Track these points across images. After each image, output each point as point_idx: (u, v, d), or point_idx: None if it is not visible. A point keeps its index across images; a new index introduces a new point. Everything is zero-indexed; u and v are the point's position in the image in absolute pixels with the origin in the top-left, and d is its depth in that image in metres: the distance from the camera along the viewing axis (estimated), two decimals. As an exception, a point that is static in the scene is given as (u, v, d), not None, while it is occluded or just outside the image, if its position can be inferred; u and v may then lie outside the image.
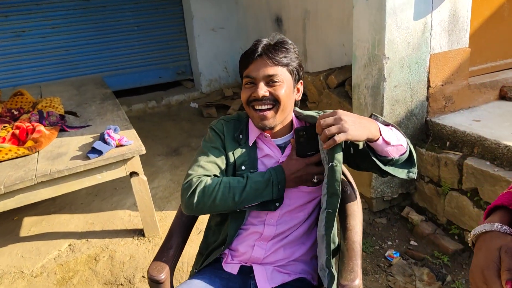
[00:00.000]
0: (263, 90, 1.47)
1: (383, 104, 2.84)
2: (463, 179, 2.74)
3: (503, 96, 3.21)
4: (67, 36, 5.58)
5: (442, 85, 2.98)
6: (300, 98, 1.63)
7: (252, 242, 1.61)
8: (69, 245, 3.00)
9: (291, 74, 1.53)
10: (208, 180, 1.51)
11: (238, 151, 1.60)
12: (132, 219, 3.25)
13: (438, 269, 2.70)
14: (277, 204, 1.53)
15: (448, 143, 2.91)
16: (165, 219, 3.23)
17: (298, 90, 1.61)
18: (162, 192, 3.63)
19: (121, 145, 2.76)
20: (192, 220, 1.85)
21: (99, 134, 2.99)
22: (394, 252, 2.87)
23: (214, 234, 1.71)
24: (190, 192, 1.48)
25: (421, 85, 2.92)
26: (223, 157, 1.60)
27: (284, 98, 1.50)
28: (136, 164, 2.79)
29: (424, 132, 3.07)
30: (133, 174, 2.81)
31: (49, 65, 5.56)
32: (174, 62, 6.29)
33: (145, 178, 2.85)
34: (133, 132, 3.01)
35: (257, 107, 1.50)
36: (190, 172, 1.55)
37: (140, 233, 3.06)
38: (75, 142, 2.94)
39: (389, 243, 2.97)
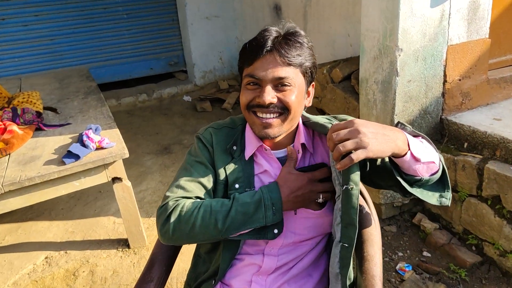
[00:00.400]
0: (270, 95, 1.18)
1: (395, 101, 2.55)
2: (484, 185, 2.46)
3: (524, 92, 2.92)
4: (51, 24, 5.22)
5: (460, 80, 2.68)
6: (310, 104, 1.34)
7: (249, 276, 1.32)
8: (46, 257, 2.71)
9: (304, 76, 1.24)
10: (187, 204, 1.22)
11: (231, 166, 1.30)
12: (116, 227, 2.95)
13: (456, 286, 2.43)
14: (276, 231, 1.22)
15: (466, 144, 2.62)
16: (153, 227, 2.94)
17: (309, 94, 1.32)
18: (151, 195, 3.33)
19: (102, 148, 2.46)
20: (177, 246, 1.56)
21: (78, 134, 2.68)
22: (406, 265, 2.59)
23: (205, 263, 1.42)
24: (164, 218, 1.21)
25: (437, 80, 2.62)
26: (210, 175, 1.31)
27: (295, 106, 1.21)
28: (118, 169, 2.49)
29: (439, 131, 2.78)
30: (116, 180, 2.51)
31: (31, 56, 5.22)
32: (166, 52, 5.96)
33: (129, 184, 2.55)
34: (116, 132, 2.71)
35: (260, 115, 1.22)
36: (167, 194, 1.27)
37: (125, 243, 2.78)
38: (52, 143, 2.64)
39: (400, 254, 2.69)
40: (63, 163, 2.33)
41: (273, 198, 1.18)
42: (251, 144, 1.31)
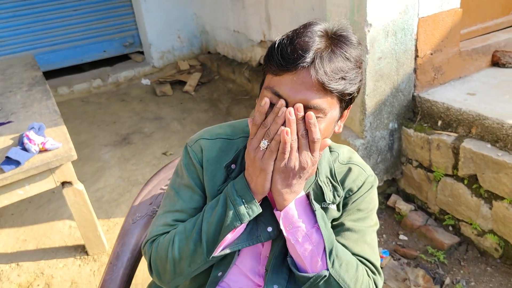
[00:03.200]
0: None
1: (366, 80, 2.39)
2: (460, 165, 2.36)
3: (495, 63, 2.82)
4: (-14, 8, 4.76)
5: (431, 54, 2.54)
6: (341, 130, 1.07)
7: None
8: (-5, 272, 2.46)
9: (341, 102, 0.96)
10: (161, 242, 1.07)
11: (224, 189, 1.06)
12: (73, 232, 2.71)
13: (434, 269, 2.36)
14: (270, 229, 1.03)
15: (440, 122, 2.50)
16: (114, 229, 2.72)
17: (342, 117, 1.04)
18: (110, 193, 3.08)
19: (46, 150, 2.19)
20: (132, 268, 1.36)
21: (19, 135, 2.39)
22: (383, 251, 2.50)
23: None
24: (148, 267, 1.12)
25: (408, 55, 2.47)
26: (198, 200, 1.11)
27: (321, 138, 0.95)
28: (67, 172, 2.24)
29: (412, 109, 2.65)
30: (65, 184, 2.26)
31: (-33, 44, 4.76)
32: (120, 32, 5.58)
33: (81, 187, 2.31)
34: (63, 130, 2.43)
35: None
36: (149, 230, 1.12)
37: (83, 250, 2.55)
38: (-10, 146, 2.35)
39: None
40: (2, 171, 2.07)
41: (239, 190, 0.98)
42: None
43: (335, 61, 0.90)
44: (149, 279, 2.29)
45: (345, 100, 0.96)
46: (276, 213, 0.99)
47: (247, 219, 0.97)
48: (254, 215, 0.98)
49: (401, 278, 2.32)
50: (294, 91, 0.90)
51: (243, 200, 0.97)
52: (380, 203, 2.82)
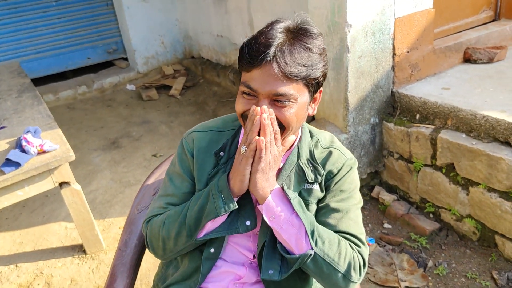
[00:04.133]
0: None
1: (348, 77, 2.53)
2: (437, 154, 2.52)
3: (467, 59, 3.00)
4: (-30, 17, 4.76)
5: (408, 52, 2.70)
6: (315, 112, 1.20)
7: (227, 283, 1.25)
8: (-6, 274, 2.51)
9: (308, 87, 1.09)
10: (155, 222, 1.23)
11: (214, 173, 1.22)
12: (69, 233, 2.77)
13: (418, 254, 2.50)
14: (248, 222, 1.16)
15: (418, 115, 2.66)
16: (109, 229, 2.79)
17: (314, 100, 1.17)
18: (103, 195, 3.15)
19: (44, 152, 2.26)
20: (140, 253, 1.46)
21: (16, 138, 2.45)
22: (369, 239, 2.63)
23: (177, 264, 1.33)
24: (145, 242, 1.28)
25: (386, 53, 2.62)
26: (189, 185, 1.25)
27: (293, 123, 1.09)
28: (65, 173, 2.31)
29: (391, 105, 2.81)
30: (63, 184, 2.33)
31: (-49, 53, 4.75)
32: (103, 39, 5.62)
33: (79, 187, 2.38)
34: (58, 133, 2.50)
35: None
36: (147, 211, 1.28)
37: (80, 249, 2.62)
38: (-14, 150, 2.40)
39: (362, 228, 2.72)
40: (3, 173, 2.13)
41: (220, 185, 1.12)
42: None
43: (294, 52, 1.02)
44: (147, 275, 2.38)
45: (312, 85, 1.09)
46: (259, 207, 1.11)
47: (223, 212, 1.10)
48: (230, 210, 1.11)
49: (387, 263, 2.46)
50: (263, 83, 1.03)
51: (222, 196, 1.10)
52: (365, 194, 2.96)
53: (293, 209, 1.10)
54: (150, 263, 2.43)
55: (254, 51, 1.03)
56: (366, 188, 2.99)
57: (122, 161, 3.60)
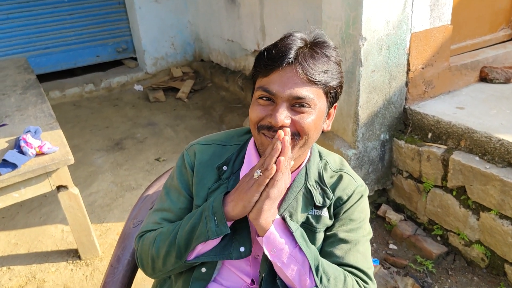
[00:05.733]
0: (283, 115, 0.99)
1: (359, 92, 2.44)
2: (449, 176, 2.43)
3: (483, 78, 2.90)
4: (-19, 10, 4.73)
5: (423, 68, 2.61)
6: (329, 128, 1.15)
7: None
8: (-14, 276, 2.45)
9: (327, 96, 1.05)
10: (147, 236, 1.15)
11: (214, 188, 1.14)
12: (65, 236, 2.71)
13: (423, 278, 2.41)
14: (242, 249, 1.07)
15: (430, 134, 2.57)
16: (107, 234, 2.73)
17: (329, 116, 1.13)
18: (102, 198, 3.09)
19: (43, 154, 2.20)
20: (132, 271, 1.38)
21: (15, 137, 2.40)
22: (374, 259, 2.54)
23: (170, 285, 1.26)
24: (135, 257, 1.20)
25: (400, 69, 2.54)
26: (185, 201, 1.18)
27: (311, 131, 1.03)
28: (63, 176, 2.25)
29: (403, 121, 2.72)
30: (61, 188, 2.27)
31: (-41, 46, 4.73)
32: (113, 38, 5.59)
33: (76, 191, 2.32)
34: (59, 134, 2.44)
35: (270, 136, 1.03)
36: (142, 225, 1.22)
37: (75, 254, 2.55)
38: (-15, 149, 2.35)
39: (366, 248, 2.63)
40: (-2, 174, 2.07)
41: (215, 207, 1.03)
42: (251, 165, 1.13)
43: (316, 58, 1.00)
44: (142, 285, 2.31)
45: (331, 94, 1.05)
46: (258, 239, 1.03)
47: (214, 236, 1.02)
48: (222, 235, 1.03)
49: (391, 287, 2.37)
50: (283, 85, 0.99)
51: (215, 219, 1.02)
52: (371, 212, 2.86)
53: (296, 242, 1.02)
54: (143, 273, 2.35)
55: (274, 54, 1.00)
56: (372, 205, 2.90)
57: (124, 164, 3.54)
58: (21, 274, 2.44)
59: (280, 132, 0.96)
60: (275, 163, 0.94)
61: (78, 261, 2.51)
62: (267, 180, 0.96)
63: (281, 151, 0.95)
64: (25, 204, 3.03)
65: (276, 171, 0.95)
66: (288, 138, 0.96)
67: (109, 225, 2.80)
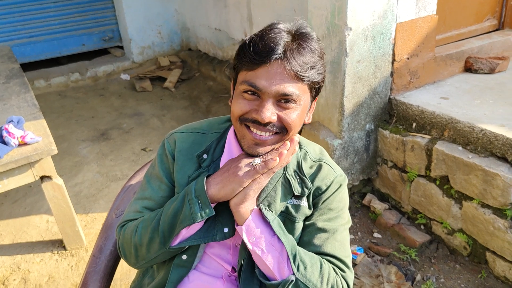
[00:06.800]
0: (269, 112, 0.99)
1: (345, 82, 2.45)
2: (432, 166, 2.46)
3: (468, 68, 2.93)
4: (-38, -3, 4.64)
5: (408, 59, 2.62)
6: (310, 120, 1.15)
7: None
8: (-31, 267, 2.43)
9: (311, 91, 1.06)
10: (129, 226, 1.14)
11: (195, 177, 1.14)
12: (50, 227, 2.69)
13: (406, 266, 2.44)
14: (226, 229, 1.09)
15: (414, 124, 2.59)
16: (92, 224, 2.71)
17: (310, 109, 1.13)
18: (88, 189, 3.07)
19: (25, 144, 2.17)
20: (115, 261, 1.38)
21: (-2, 127, 2.36)
22: (358, 248, 2.57)
23: (152, 274, 1.26)
24: (117, 247, 1.20)
25: (386, 59, 2.55)
26: (167, 188, 1.18)
27: (295, 126, 1.04)
28: (47, 166, 2.23)
29: (388, 112, 2.73)
30: (45, 178, 2.25)
31: None
32: (99, 26, 5.52)
33: (60, 181, 2.30)
34: (42, 124, 2.42)
35: (254, 130, 1.03)
36: (123, 215, 1.20)
37: (60, 245, 2.54)
38: (-34, 139, 2.31)
39: (351, 236, 2.66)
40: (-20, 164, 2.04)
41: (197, 190, 1.03)
42: (231, 154, 1.14)
43: (303, 53, 0.99)
44: (128, 275, 2.31)
45: (314, 89, 1.06)
46: (238, 228, 1.04)
47: (199, 219, 1.02)
48: (207, 217, 1.03)
49: (375, 275, 2.40)
50: (269, 81, 0.97)
51: (199, 201, 1.02)
52: (356, 202, 2.90)
53: (274, 232, 1.03)
54: (124, 269, 2.35)
55: (261, 48, 0.98)
56: (357, 195, 2.93)
57: (110, 154, 3.51)
58: (5, 265, 2.43)
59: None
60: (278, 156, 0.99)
61: (63, 251, 2.50)
62: (266, 170, 0.99)
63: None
64: (9, 195, 3.00)
65: (280, 164, 1.00)
66: (297, 139, 1.02)
67: (95, 215, 2.79)
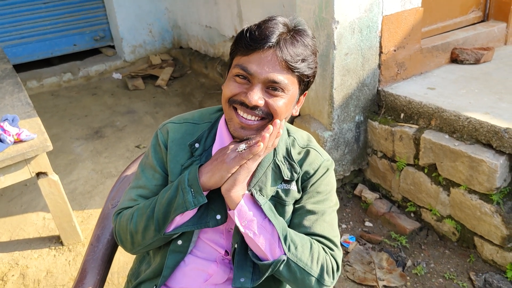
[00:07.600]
0: (257, 96, 1.04)
1: (333, 75, 2.50)
2: (420, 154, 2.52)
3: (454, 59, 2.99)
4: (-48, -2, 4.64)
5: (395, 51, 2.68)
6: (297, 113, 1.21)
7: (197, 284, 1.23)
8: (-32, 264, 2.46)
9: (299, 84, 1.11)
10: (124, 213, 1.19)
11: (188, 165, 1.19)
12: (47, 224, 2.73)
13: (397, 253, 2.50)
14: (218, 216, 1.14)
15: (402, 114, 2.65)
16: (88, 220, 2.75)
17: (299, 102, 1.18)
18: (83, 186, 3.10)
19: (21, 141, 2.21)
20: (112, 249, 1.43)
21: (-8, 126, 2.39)
22: (350, 236, 2.63)
23: (149, 260, 1.30)
24: (114, 235, 1.25)
25: (373, 51, 2.60)
26: (160, 177, 1.22)
27: (281, 114, 1.08)
28: (42, 163, 2.26)
29: (376, 103, 2.79)
30: (41, 174, 2.28)
31: None
32: (90, 26, 5.53)
33: (56, 177, 2.34)
34: (37, 122, 2.45)
35: (241, 113, 1.08)
36: (119, 203, 1.26)
37: (57, 241, 2.58)
38: (-38, 138, 2.34)
39: (344, 226, 2.72)
40: (-24, 161, 2.08)
41: (190, 179, 1.09)
42: (222, 142, 1.19)
43: (296, 45, 1.05)
44: (125, 268, 2.36)
45: (303, 83, 1.11)
46: (230, 212, 1.09)
47: (192, 207, 1.08)
48: (200, 205, 1.08)
49: (366, 262, 2.46)
50: (261, 67, 1.03)
51: (192, 190, 1.08)
52: (347, 192, 2.96)
53: (265, 215, 1.08)
54: (127, 256, 2.40)
55: (257, 35, 1.03)
56: (349, 185, 2.99)
57: (104, 152, 3.55)
58: (4, 262, 2.46)
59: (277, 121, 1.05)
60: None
61: (61, 247, 2.53)
62: (251, 156, 1.04)
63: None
64: (5, 194, 3.03)
65: (265, 146, 1.03)
66: (279, 122, 1.05)
67: (91, 211, 2.83)
